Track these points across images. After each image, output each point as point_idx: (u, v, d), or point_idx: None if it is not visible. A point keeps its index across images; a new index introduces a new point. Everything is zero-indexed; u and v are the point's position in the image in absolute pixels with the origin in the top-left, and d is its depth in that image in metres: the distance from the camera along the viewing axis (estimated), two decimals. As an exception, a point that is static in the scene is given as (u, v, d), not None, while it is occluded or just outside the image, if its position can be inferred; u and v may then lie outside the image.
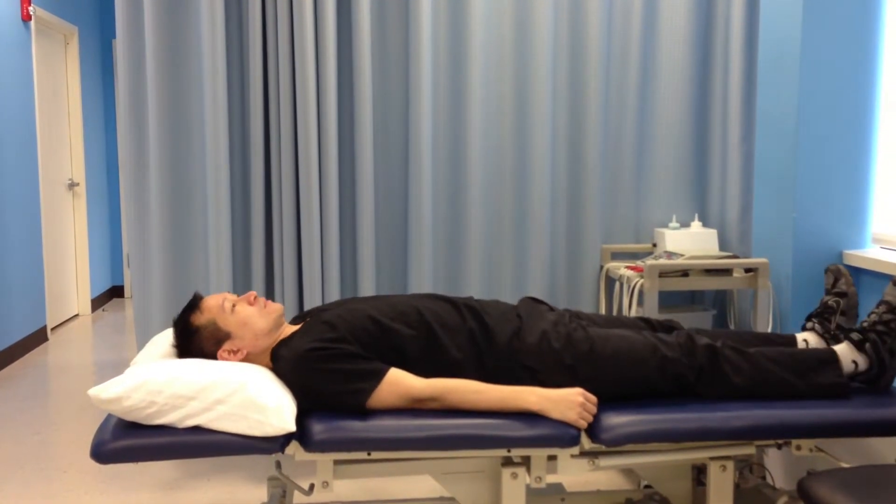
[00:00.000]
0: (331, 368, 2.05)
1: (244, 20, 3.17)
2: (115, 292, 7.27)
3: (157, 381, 1.95)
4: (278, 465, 2.34)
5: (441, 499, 2.56)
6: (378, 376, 2.06)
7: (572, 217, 3.46)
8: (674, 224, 3.40)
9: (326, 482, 2.10)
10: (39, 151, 5.60)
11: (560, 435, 2.04)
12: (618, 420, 2.06)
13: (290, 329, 2.24)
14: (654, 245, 3.48)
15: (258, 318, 2.18)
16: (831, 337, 2.38)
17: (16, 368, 4.91)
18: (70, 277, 6.31)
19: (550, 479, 2.63)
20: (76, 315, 6.45)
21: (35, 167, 5.53)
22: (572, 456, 2.14)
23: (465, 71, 3.27)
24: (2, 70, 5.02)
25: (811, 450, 2.23)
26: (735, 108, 3.36)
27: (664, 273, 3.03)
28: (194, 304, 2.22)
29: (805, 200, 2.89)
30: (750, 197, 3.34)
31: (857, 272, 2.83)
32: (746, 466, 2.53)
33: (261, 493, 3.06)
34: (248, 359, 2.18)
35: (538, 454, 2.13)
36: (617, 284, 3.31)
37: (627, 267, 3.25)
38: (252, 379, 2.01)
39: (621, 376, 2.17)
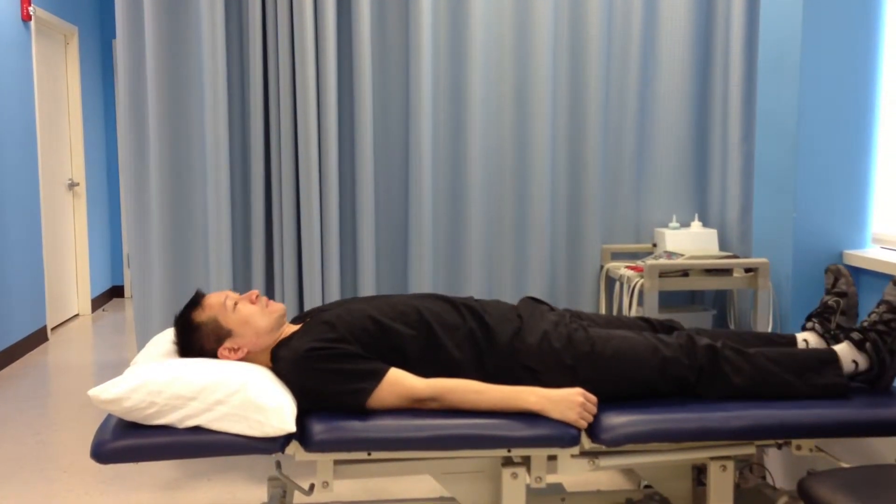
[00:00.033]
0: (331, 368, 2.05)
1: (244, 20, 3.17)
2: (115, 292, 7.27)
3: (158, 382, 1.95)
4: (278, 465, 2.34)
5: (441, 499, 2.56)
6: (378, 376, 2.06)
7: (572, 217, 3.46)
8: (674, 224, 3.40)
9: (326, 482, 2.10)
10: (39, 151, 5.60)
11: (560, 435, 2.04)
12: (618, 420, 2.06)
13: (290, 329, 2.24)
14: (654, 245, 3.48)
15: (260, 316, 2.18)
16: (831, 337, 2.38)
17: (16, 368, 4.91)
18: (70, 277, 6.31)
19: (550, 479, 2.63)
20: (76, 315, 6.45)
21: (35, 167, 5.53)
22: (572, 456, 2.14)
23: (465, 71, 3.27)
24: (2, 70, 5.02)
25: (811, 450, 2.23)
26: (735, 108, 3.36)
27: (664, 273, 3.03)
28: (196, 300, 2.22)
29: (805, 200, 2.89)
30: (750, 197, 3.34)
31: (857, 272, 2.83)
32: (746, 466, 2.52)
33: (261, 493, 3.06)
34: (248, 357, 2.18)
35: (538, 454, 2.13)
36: (617, 284, 3.31)
37: (627, 267, 3.25)
38: (252, 379, 2.01)
39: (622, 377, 2.17)
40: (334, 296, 3.20)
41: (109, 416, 2.06)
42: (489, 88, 3.34)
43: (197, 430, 1.96)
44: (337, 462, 2.12)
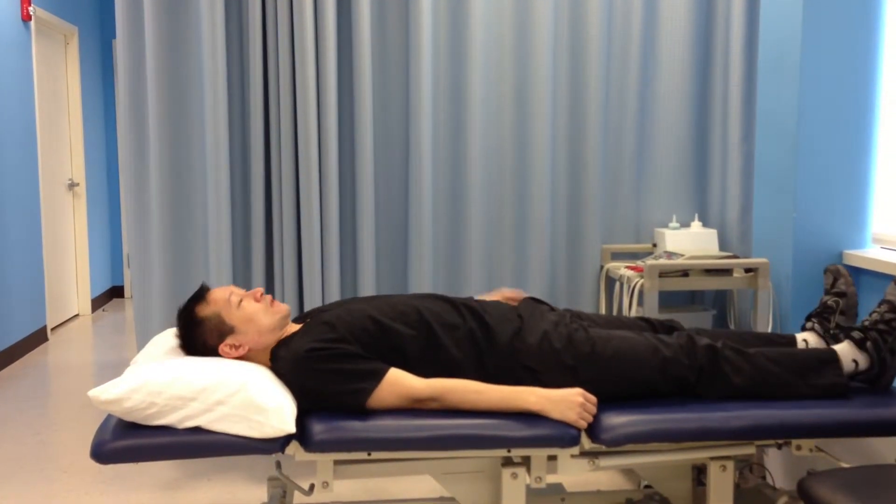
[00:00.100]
0: (330, 369, 2.05)
1: (244, 20, 3.17)
2: (115, 292, 7.27)
3: (158, 382, 1.95)
4: (278, 465, 2.33)
5: (441, 499, 2.56)
6: (378, 376, 2.06)
7: (572, 217, 3.46)
8: (674, 224, 3.40)
9: (326, 482, 2.10)
10: (39, 151, 5.60)
11: (560, 435, 2.04)
12: (618, 420, 2.06)
13: (291, 329, 2.24)
14: (655, 245, 3.48)
15: (263, 315, 2.17)
16: (831, 337, 2.38)
17: (16, 368, 4.91)
18: (70, 277, 6.31)
19: (550, 479, 2.63)
20: (76, 315, 6.45)
21: (35, 167, 5.53)
22: (572, 456, 2.14)
23: (465, 71, 3.27)
24: (2, 70, 5.02)
25: (811, 450, 2.23)
26: (735, 108, 3.36)
27: (664, 273, 3.03)
28: (201, 294, 2.20)
29: (805, 200, 2.89)
30: (750, 197, 3.34)
31: (857, 272, 2.83)
32: (746, 466, 2.53)
33: (261, 493, 3.06)
34: (248, 355, 2.17)
35: (538, 454, 2.13)
36: (617, 284, 3.31)
37: (627, 267, 3.25)
38: (252, 380, 2.01)
39: (622, 377, 2.17)
40: (334, 296, 3.20)
41: (109, 417, 2.06)
42: (489, 88, 3.34)
43: (197, 430, 1.96)
44: (337, 462, 2.12)
